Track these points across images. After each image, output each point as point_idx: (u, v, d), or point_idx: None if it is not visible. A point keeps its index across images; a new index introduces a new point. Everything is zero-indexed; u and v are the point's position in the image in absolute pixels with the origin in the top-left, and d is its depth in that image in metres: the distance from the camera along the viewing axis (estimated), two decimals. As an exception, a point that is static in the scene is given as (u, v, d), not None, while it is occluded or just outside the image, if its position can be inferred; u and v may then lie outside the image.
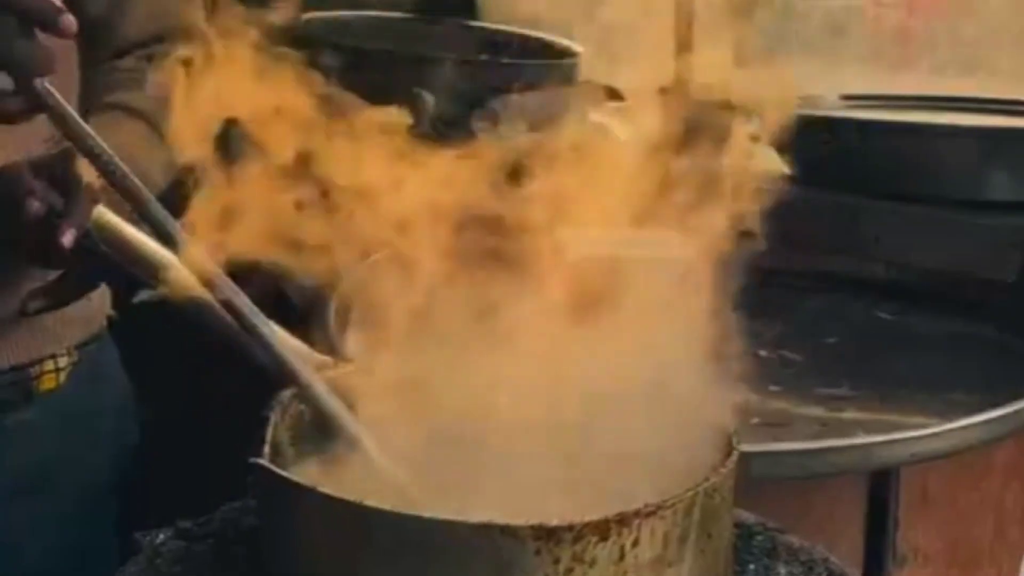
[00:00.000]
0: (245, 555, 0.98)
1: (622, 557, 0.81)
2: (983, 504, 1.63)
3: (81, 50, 1.26)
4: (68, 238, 1.03)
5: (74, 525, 1.25)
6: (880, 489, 1.59)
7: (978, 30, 2.46)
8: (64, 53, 1.21)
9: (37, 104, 0.92)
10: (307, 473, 0.91)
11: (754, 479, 1.29)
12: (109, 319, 1.33)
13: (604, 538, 0.80)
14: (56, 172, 1.07)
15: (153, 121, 1.25)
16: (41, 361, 1.24)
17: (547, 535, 0.79)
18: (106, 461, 1.31)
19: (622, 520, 0.80)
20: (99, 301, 1.28)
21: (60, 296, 1.14)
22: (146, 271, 1.03)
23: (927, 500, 1.61)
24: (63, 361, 1.25)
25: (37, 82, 0.91)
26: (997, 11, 2.49)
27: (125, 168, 0.91)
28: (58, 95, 0.92)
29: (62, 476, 1.26)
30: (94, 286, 1.19)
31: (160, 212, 0.91)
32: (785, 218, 2.03)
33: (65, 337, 1.25)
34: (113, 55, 1.30)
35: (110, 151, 0.91)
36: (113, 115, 1.25)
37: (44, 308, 1.14)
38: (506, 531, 0.78)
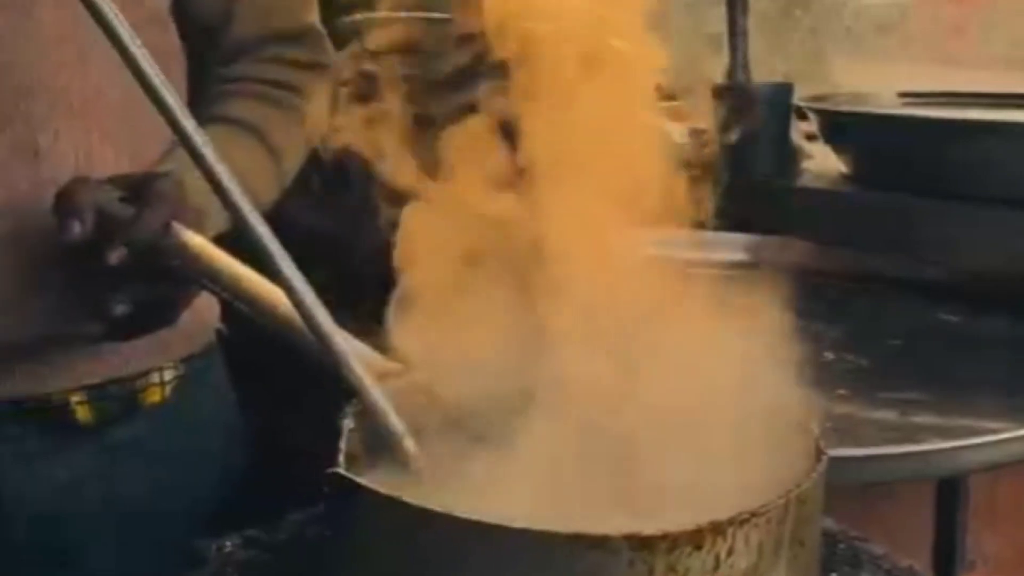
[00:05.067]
0: (311, 566, 0.96)
1: (717, 567, 0.78)
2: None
3: (190, 57, 1.22)
4: (114, 256, 1.00)
5: (177, 549, 1.21)
6: (949, 495, 1.56)
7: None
8: (173, 61, 1.20)
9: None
10: (379, 483, 0.88)
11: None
12: (218, 332, 1.29)
13: (699, 547, 0.77)
14: (135, 186, 1.04)
15: (261, 133, 1.22)
16: (146, 374, 1.20)
17: (641, 545, 0.76)
18: (211, 481, 1.27)
19: (717, 529, 0.78)
20: (207, 313, 1.24)
21: (128, 323, 1.06)
22: (231, 293, 1.01)
23: (996, 506, 1.58)
24: (169, 374, 1.21)
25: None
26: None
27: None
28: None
29: (165, 497, 1.22)
30: (173, 315, 1.10)
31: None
32: (842, 218, 2.01)
33: (171, 349, 1.20)
34: (223, 60, 1.25)
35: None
36: (221, 129, 1.20)
37: (104, 334, 1.08)
38: (599, 541, 0.76)
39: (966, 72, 2.45)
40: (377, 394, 0.89)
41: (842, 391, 1.44)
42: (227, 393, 1.32)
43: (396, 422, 0.89)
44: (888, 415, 1.41)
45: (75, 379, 1.16)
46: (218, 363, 1.31)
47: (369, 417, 0.90)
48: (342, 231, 1.74)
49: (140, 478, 1.20)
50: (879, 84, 2.24)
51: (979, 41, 2.44)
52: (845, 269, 1.85)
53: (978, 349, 1.65)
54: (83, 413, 1.16)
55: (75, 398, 1.16)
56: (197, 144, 0.91)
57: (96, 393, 1.17)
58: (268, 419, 1.37)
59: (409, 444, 0.89)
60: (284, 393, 1.70)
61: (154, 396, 1.20)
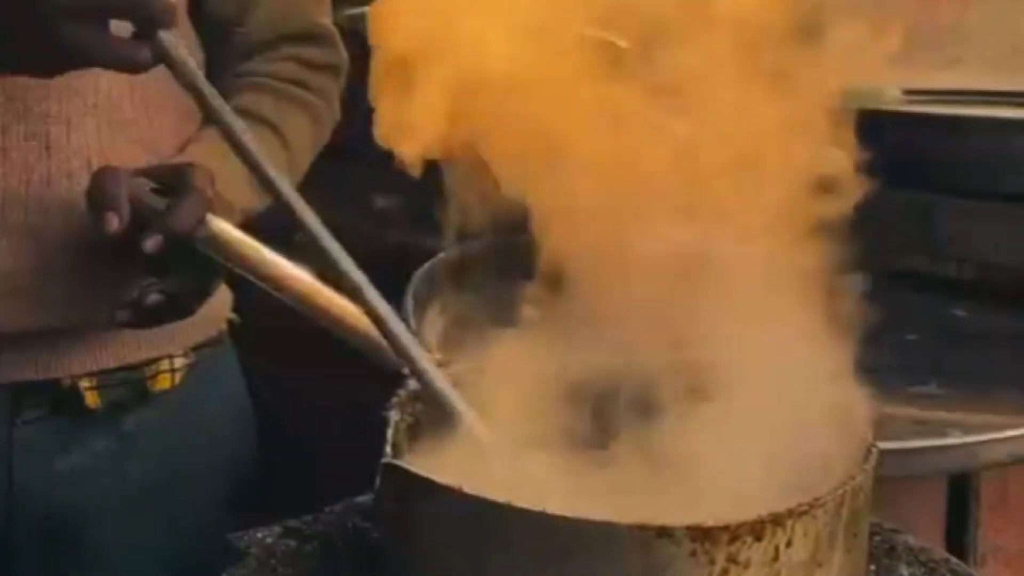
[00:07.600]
0: (356, 555, 0.97)
1: (776, 557, 0.79)
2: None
3: (207, 53, 1.23)
4: (151, 244, 1.01)
5: (188, 538, 1.21)
6: (961, 489, 1.57)
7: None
8: (192, 58, 1.20)
9: (159, 56, 0.92)
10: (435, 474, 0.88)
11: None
12: (229, 322, 1.29)
13: (759, 538, 0.78)
14: (167, 178, 1.05)
15: (274, 126, 1.22)
16: (156, 360, 1.20)
17: (702, 536, 0.77)
18: (221, 469, 1.27)
19: (776, 520, 0.78)
20: (219, 303, 1.24)
21: (156, 312, 1.08)
22: (267, 282, 1.01)
23: (1007, 500, 1.59)
24: (179, 362, 1.21)
25: (161, 34, 0.91)
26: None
27: (247, 138, 0.93)
28: (182, 50, 0.92)
29: (176, 483, 1.22)
30: (196, 305, 1.12)
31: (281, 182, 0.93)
32: (853, 215, 2.00)
33: (182, 337, 1.21)
34: (239, 57, 1.26)
35: (231, 113, 0.93)
36: None
37: (133, 322, 1.09)
38: (662, 532, 0.76)
39: (967, 72, 2.46)
40: (439, 377, 0.91)
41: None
42: (237, 382, 1.33)
43: (462, 404, 0.90)
44: (906, 410, 1.42)
45: (85, 365, 1.16)
46: (229, 352, 1.31)
47: (430, 400, 0.90)
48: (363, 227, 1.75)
49: (151, 464, 1.20)
50: (880, 82, 2.24)
51: (980, 42, 2.44)
52: (854, 267, 1.85)
53: (993, 344, 1.66)
54: (92, 399, 1.16)
55: (85, 383, 1.16)
56: (240, 136, 0.93)
57: (106, 379, 1.17)
58: (277, 409, 1.37)
59: (478, 425, 0.90)
60: (294, 384, 1.70)
61: (164, 383, 1.21)
